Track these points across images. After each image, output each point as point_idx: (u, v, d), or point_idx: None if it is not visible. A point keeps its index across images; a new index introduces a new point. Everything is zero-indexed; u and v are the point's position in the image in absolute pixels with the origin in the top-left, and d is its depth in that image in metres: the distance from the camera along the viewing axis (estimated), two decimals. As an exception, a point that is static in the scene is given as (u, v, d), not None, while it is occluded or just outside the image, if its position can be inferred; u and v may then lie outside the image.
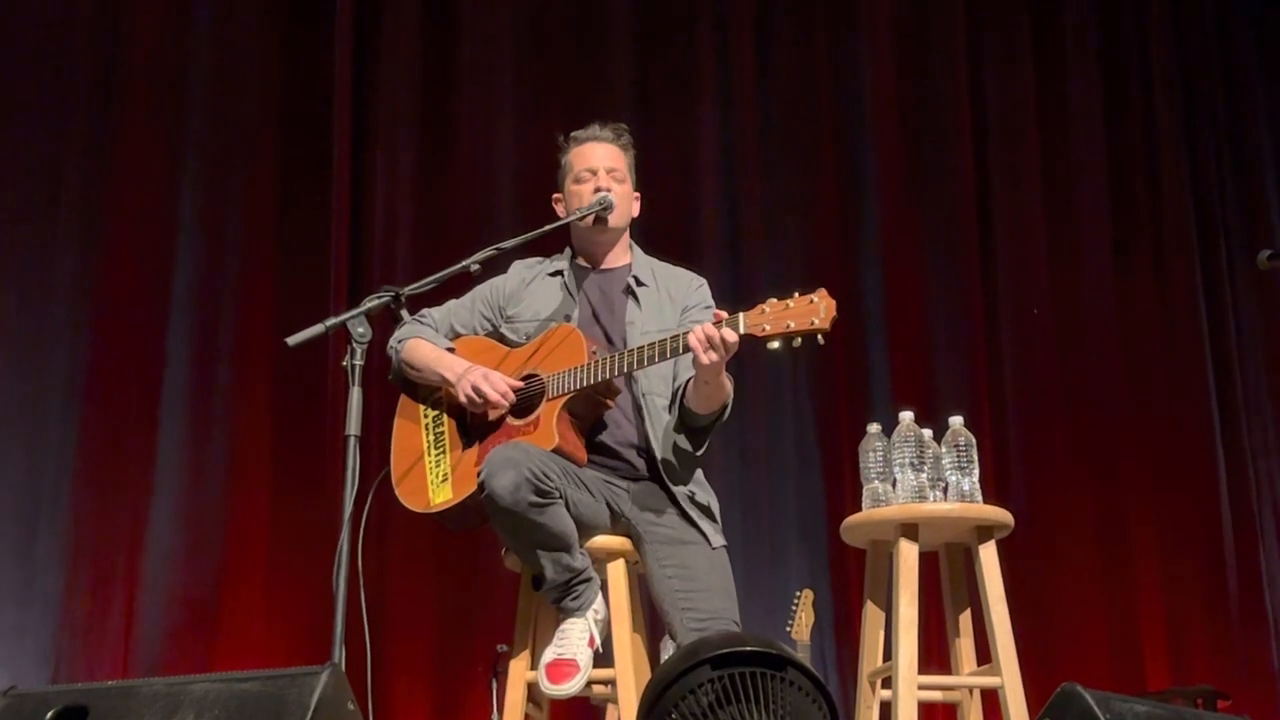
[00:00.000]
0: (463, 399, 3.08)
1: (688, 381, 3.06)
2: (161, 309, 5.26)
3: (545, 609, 3.06)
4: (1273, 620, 5.76)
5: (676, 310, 3.21)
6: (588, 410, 3.06)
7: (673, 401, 3.12)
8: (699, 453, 3.13)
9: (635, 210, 3.32)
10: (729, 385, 3.01)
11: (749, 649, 2.24)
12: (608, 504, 3.04)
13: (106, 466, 5.06)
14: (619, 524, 3.06)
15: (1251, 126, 6.43)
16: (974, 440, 3.26)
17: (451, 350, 3.21)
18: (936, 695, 3.56)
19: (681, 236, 5.62)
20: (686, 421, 3.10)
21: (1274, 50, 6.47)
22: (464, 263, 3.00)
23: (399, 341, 3.23)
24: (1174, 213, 6.22)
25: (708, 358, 2.82)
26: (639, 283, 3.22)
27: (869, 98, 6.13)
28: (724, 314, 2.86)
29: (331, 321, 2.74)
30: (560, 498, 2.88)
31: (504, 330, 3.25)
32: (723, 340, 2.81)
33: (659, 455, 3.06)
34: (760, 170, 5.97)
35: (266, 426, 5.25)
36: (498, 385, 3.05)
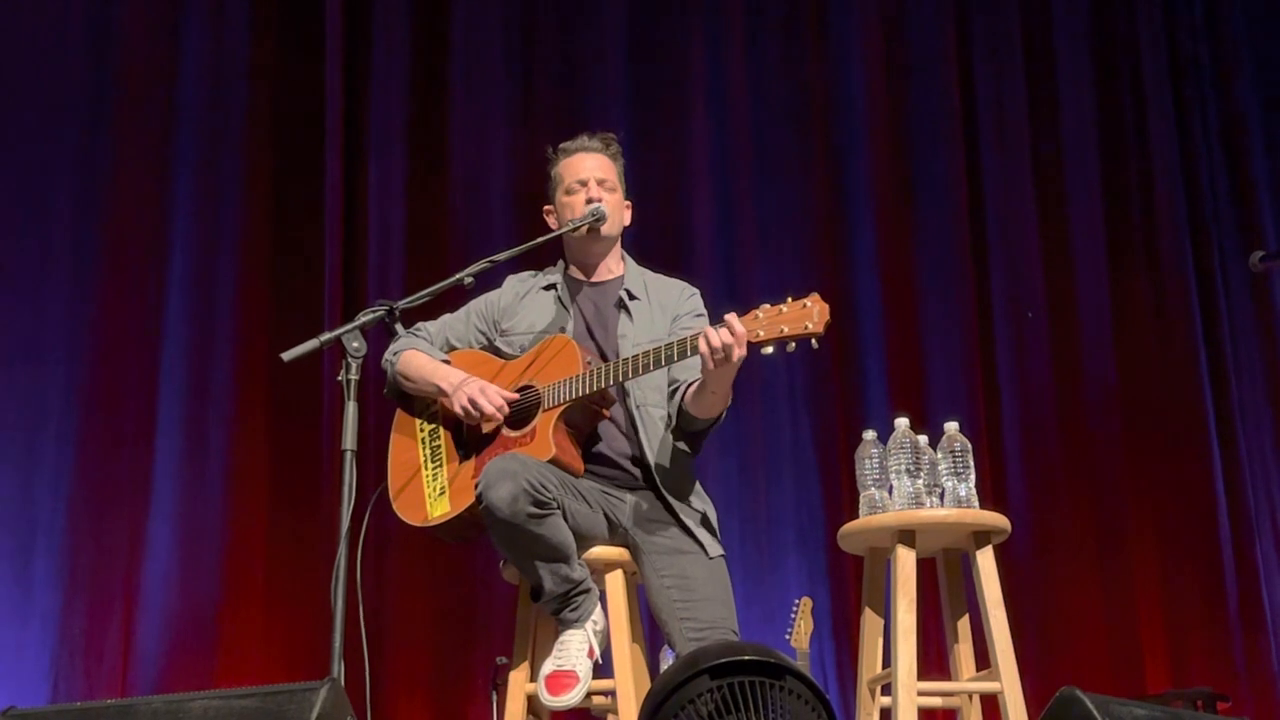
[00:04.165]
0: (458, 411, 3.08)
1: (686, 386, 3.06)
2: (156, 327, 5.26)
3: (544, 620, 3.06)
4: (1271, 621, 5.75)
5: (668, 321, 3.20)
6: (584, 420, 3.06)
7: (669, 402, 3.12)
8: (695, 455, 3.13)
9: (627, 219, 3.32)
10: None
11: (748, 658, 2.24)
12: (605, 514, 3.04)
13: (104, 484, 5.05)
14: (617, 534, 3.06)
15: (1243, 127, 6.44)
16: (969, 445, 3.26)
17: (447, 363, 3.21)
18: (936, 701, 3.56)
19: (674, 245, 5.64)
20: (684, 426, 3.09)
21: (1265, 47, 6.48)
22: (457, 276, 3.00)
23: (394, 354, 3.22)
24: (1167, 215, 6.23)
25: (714, 361, 2.81)
26: (631, 295, 3.22)
27: (860, 104, 6.14)
28: (733, 317, 2.83)
29: (326, 336, 2.75)
30: (558, 508, 2.88)
31: (499, 344, 3.25)
32: (726, 346, 2.79)
33: (655, 467, 3.06)
34: (752, 177, 5.97)
35: (263, 442, 5.25)
36: (493, 399, 3.04)
